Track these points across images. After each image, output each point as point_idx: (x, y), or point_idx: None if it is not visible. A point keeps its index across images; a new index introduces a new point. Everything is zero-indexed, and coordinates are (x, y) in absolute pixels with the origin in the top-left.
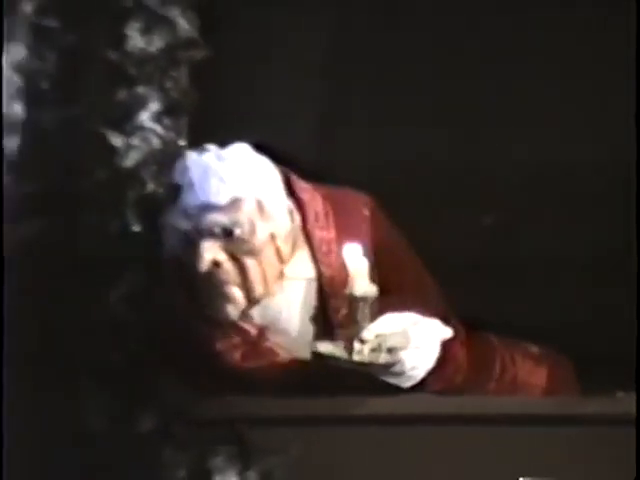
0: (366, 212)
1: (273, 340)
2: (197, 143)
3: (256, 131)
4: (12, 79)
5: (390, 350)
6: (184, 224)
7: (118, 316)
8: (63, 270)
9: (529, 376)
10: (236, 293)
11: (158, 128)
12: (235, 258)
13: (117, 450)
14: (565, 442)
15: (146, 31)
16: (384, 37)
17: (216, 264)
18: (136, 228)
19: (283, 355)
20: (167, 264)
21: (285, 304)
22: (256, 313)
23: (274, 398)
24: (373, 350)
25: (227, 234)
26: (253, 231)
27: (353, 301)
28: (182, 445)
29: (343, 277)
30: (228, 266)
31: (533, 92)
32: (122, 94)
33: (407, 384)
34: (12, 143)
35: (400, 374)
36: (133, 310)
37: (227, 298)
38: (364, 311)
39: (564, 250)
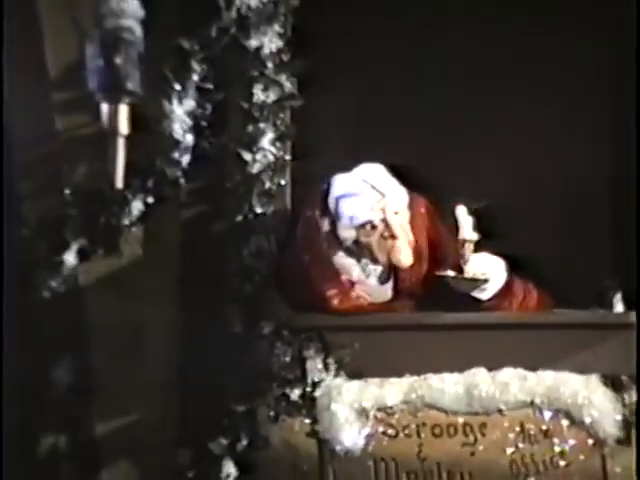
0: (422, 210)
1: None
2: (298, 159)
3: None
4: (185, 120)
5: (483, 274)
6: (350, 220)
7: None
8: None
9: (533, 301)
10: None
11: (272, 149)
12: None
13: (247, 346)
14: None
15: (264, 89)
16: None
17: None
18: (258, 210)
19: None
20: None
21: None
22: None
23: (342, 316)
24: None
25: (373, 227)
26: (389, 225)
27: (463, 242)
28: (287, 342)
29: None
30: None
31: None
32: (250, 128)
33: (486, 297)
34: (185, 160)
35: (485, 289)
36: (259, 259)
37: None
38: (470, 249)
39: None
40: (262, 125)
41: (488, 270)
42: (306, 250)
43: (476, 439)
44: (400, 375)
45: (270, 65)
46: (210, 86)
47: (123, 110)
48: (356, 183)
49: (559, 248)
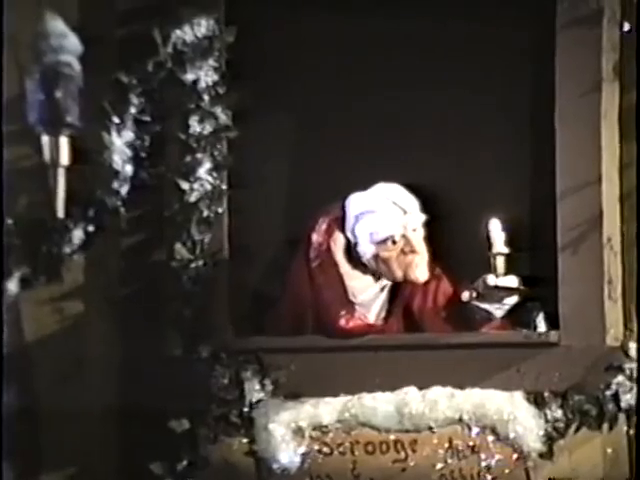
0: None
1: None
2: (234, 187)
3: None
4: (125, 151)
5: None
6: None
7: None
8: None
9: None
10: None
11: (209, 178)
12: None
13: (187, 369)
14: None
15: (201, 121)
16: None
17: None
18: (196, 237)
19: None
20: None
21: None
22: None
23: (280, 337)
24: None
25: (393, 242)
26: (409, 241)
27: (497, 256)
28: (226, 364)
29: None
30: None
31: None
32: (188, 158)
33: (500, 314)
34: (124, 189)
35: (505, 305)
36: (198, 285)
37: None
38: (502, 262)
39: None
40: (199, 155)
41: (513, 285)
42: (320, 274)
43: (407, 455)
44: (335, 395)
45: (206, 98)
46: (148, 118)
47: (63, 142)
48: (376, 200)
49: None
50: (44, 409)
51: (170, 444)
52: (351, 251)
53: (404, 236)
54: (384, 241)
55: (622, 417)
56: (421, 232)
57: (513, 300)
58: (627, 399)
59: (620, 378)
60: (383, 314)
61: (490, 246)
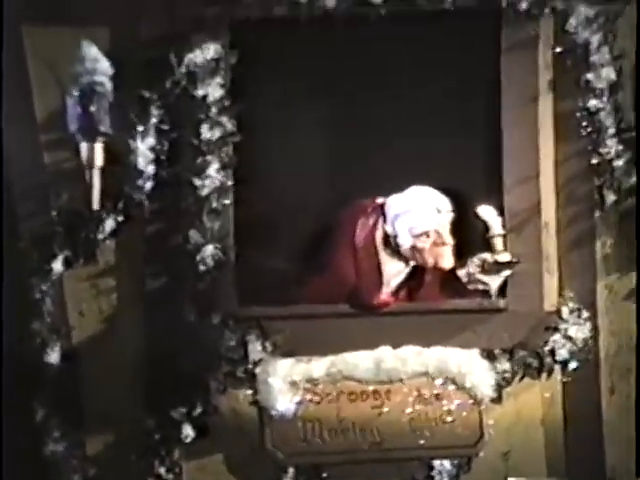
0: None
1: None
2: (240, 184)
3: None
4: (147, 154)
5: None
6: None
7: None
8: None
9: None
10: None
11: (218, 176)
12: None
13: (200, 333)
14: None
15: (210, 129)
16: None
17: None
18: (207, 225)
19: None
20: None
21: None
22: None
23: (278, 307)
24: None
25: (427, 235)
26: (441, 234)
27: (495, 236)
28: (233, 329)
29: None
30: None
31: None
32: (199, 160)
33: (496, 285)
34: (147, 186)
35: (502, 277)
36: (209, 264)
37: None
38: (500, 242)
39: None
40: (209, 157)
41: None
42: (363, 258)
43: (383, 402)
44: (324, 354)
45: (214, 109)
46: (166, 127)
47: (98, 147)
48: (413, 201)
49: None
50: (83, 363)
51: (187, 395)
52: (388, 242)
53: (436, 231)
54: (420, 235)
55: (557, 368)
56: (448, 227)
57: (507, 272)
58: (561, 353)
59: (556, 336)
60: (398, 289)
61: (487, 229)
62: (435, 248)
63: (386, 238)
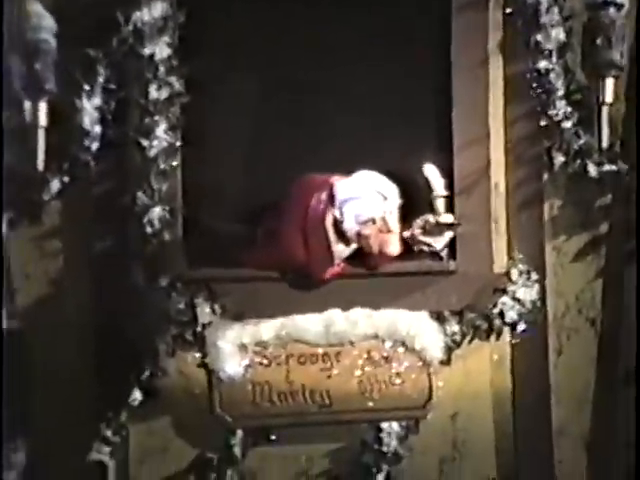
0: None
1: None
2: (188, 145)
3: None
4: (94, 114)
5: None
6: (355, 217)
7: None
8: None
9: None
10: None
11: (166, 137)
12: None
13: (149, 296)
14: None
15: (158, 89)
16: None
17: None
18: (155, 186)
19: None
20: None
21: None
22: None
23: (227, 269)
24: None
25: (373, 222)
26: (386, 222)
27: (438, 197)
28: (181, 292)
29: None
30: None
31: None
32: (147, 120)
33: (441, 246)
34: (94, 146)
35: (445, 238)
36: (156, 226)
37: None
38: (442, 203)
39: None
40: (156, 117)
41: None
42: (312, 236)
43: (332, 365)
44: (273, 316)
45: (162, 69)
46: (113, 86)
47: (42, 106)
48: (361, 187)
49: None
50: (29, 327)
51: (135, 357)
52: (337, 225)
53: (382, 218)
54: (366, 222)
55: (506, 330)
56: (396, 214)
57: (450, 234)
58: (510, 315)
59: (505, 299)
60: (348, 258)
61: (431, 190)
62: (381, 235)
63: (335, 221)
